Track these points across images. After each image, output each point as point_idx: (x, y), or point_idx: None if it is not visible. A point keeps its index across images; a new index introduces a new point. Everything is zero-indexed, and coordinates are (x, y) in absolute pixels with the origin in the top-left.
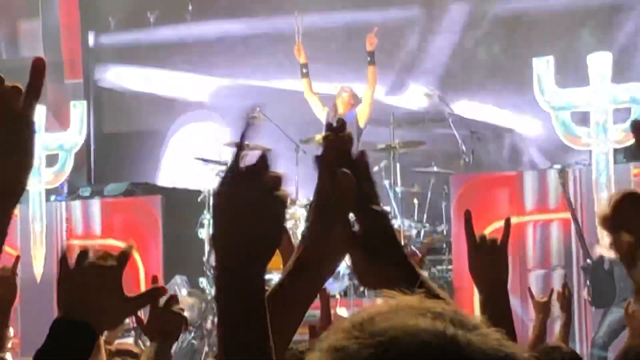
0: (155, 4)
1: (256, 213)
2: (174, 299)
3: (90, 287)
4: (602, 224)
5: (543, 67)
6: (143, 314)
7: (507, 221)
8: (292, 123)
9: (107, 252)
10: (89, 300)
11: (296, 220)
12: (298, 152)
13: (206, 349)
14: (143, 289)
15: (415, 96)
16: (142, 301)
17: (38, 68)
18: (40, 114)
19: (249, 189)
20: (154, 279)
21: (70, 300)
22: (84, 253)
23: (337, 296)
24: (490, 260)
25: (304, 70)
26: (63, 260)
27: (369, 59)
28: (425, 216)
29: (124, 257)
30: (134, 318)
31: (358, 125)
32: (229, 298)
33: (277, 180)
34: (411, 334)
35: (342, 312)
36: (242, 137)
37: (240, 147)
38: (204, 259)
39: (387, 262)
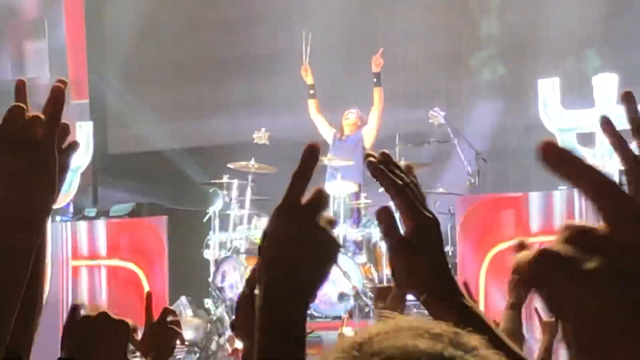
0: (163, 24)
1: (313, 250)
2: (167, 311)
3: (97, 339)
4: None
5: (548, 88)
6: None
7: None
8: (298, 143)
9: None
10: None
11: None
12: None
13: None
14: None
15: (421, 117)
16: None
17: (57, 95)
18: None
19: (309, 225)
20: (148, 296)
21: (75, 347)
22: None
23: (344, 316)
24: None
25: (311, 92)
26: (74, 311)
27: (375, 80)
28: None
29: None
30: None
31: (364, 147)
32: (273, 330)
33: (332, 221)
34: (409, 355)
35: (347, 332)
36: (303, 170)
37: (301, 179)
38: (210, 279)
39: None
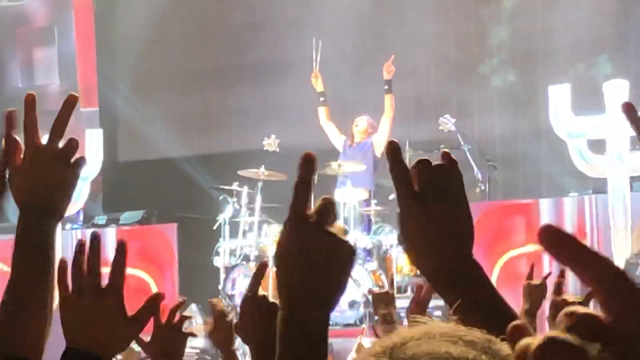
0: (172, 31)
1: (328, 258)
2: (175, 310)
3: (91, 315)
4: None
5: (559, 95)
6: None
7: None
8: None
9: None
10: (93, 329)
11: None
12: (313, 180)
13: None
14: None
15: (431, 124)
16: (145, 315)
17: (67, 106)
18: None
19: (320, 234)
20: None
21: (74, 330)
22: (80, 278)
23: (364, 328)
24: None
25: (321, 99)
26: (60, 283)
27: (386, 87)
28: None
29: (119, 277)
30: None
31: (374, 154)
32: (294, 341)
33: (343, 231)
34: None
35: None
36: (303, 181)
37: (303, 190)
38: (220, 287)
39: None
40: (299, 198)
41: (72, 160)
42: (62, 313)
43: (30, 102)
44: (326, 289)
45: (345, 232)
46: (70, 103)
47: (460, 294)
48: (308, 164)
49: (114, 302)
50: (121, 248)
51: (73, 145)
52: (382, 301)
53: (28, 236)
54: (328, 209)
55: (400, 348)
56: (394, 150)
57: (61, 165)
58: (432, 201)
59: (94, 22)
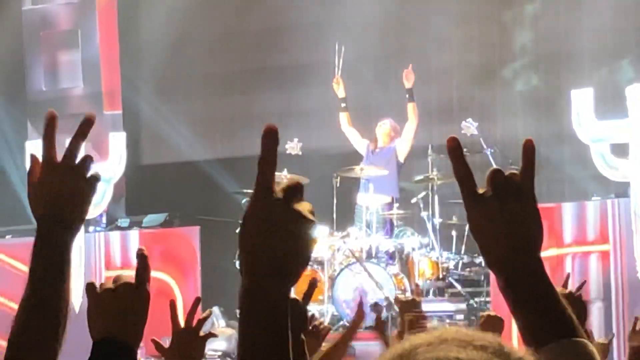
0: (196, 35)
1: (290, 232)
2: (193, 314)
3: (123, 308)
4: None
5: (582, 99)
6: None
7: (527, 145)
8: (330, 154)
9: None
10: (123, 321)
11: (333, 252)
12: (336, 183)
13: None
14: (181, 319)
15: (454, 128)
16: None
17: (85, 125)
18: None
19: (284, 208)
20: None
21: (104, 322)
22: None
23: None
24: (508, 214)
25: (343, 105)
26: (90, 287)
27: (407, 95)
28: (463, 248)
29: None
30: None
31: (397, 160)
32: (255, 317)
33: (309, 210)
34: None
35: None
36: (267, 155)
37: (267, 164)
38: None
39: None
40: (264, 172)
41: (88, 175)
42: (91, 308)
43: (50, 120)
44: (289, 262)
45: (312, 212)
46: (88, 122)
47: (516, 289)
48: (269, 138)
49: (143, 296)
50: (141, 256)
51: (88, 160)
52: (408, 308)
53: (43, 247)
54: (294, 188)
55: (410, 355)
56: (455, 150)
57: (76, 179)
58: (499, 202)
59: (118, 25)
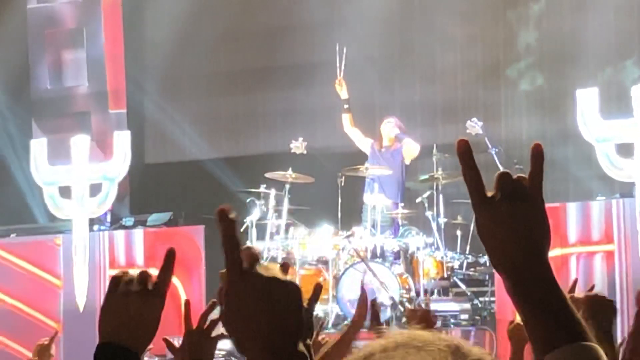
0: (200, 34)
1: (275, 304)
2: (206, 316)
3: (135, 314)
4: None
5: (587, 98)
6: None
7: (536, 149)
8: (335, 153)
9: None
10: (133, 326)
11: (338, 251)
12: (340, 182)
13: None
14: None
15: (458, 127)
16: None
17: (169, 259)
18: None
19: (262, 283)
20: (187, 304)
21: (112, 326)
22: (125, 279)
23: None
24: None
25: (345, 106)
26: (114, 282)
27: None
28: (468, 247)
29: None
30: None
31: (404, 162)
32: None
33: (280, 271)
34: None
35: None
36: (228, 238)
37: (231, 247)
38: None
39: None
40: (232, 256)
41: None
42: (106, 306)
43: (170, 257)
44: (284, 330)
45: (286, 267)
46: (171, 256)
47: (524, 293)
48: (222, 221)
49: (160, 306)
50: (170, 255)
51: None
52: (415, 317)
53: None
54: (253, 257)
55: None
56: (465, 153)
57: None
58: (508, 205)
59: (123, 24)
